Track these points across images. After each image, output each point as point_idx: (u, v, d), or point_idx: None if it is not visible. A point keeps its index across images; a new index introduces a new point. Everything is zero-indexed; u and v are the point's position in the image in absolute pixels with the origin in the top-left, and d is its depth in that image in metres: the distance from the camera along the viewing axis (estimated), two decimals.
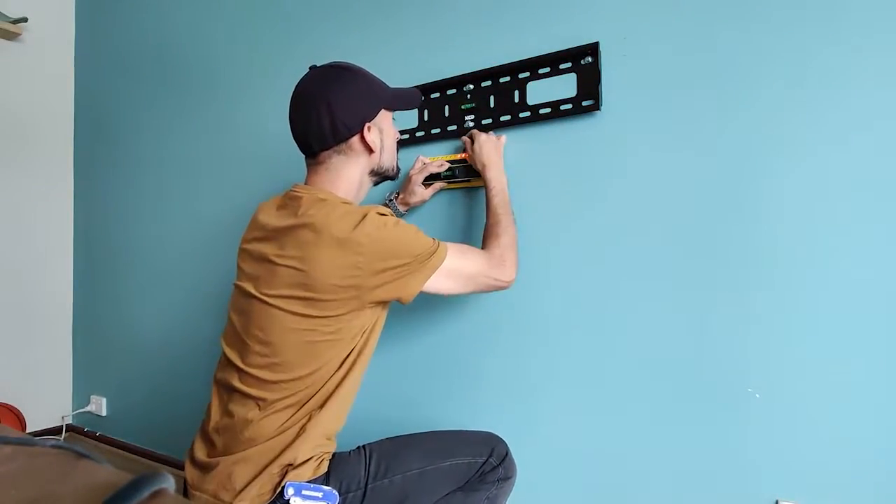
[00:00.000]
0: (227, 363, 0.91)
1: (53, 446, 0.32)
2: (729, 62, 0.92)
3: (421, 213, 1.25)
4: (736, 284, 0.90)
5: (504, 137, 1.11)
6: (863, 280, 0.82)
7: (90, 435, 2.04)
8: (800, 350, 0.85)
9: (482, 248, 0.97)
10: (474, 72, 1.15)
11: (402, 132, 1.26)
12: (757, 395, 0.88)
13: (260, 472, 0.82)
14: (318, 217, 0.83)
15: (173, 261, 1.82)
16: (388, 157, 0.97)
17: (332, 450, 0.90)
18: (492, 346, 1.15)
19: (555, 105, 1.07)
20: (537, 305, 1.09)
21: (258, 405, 0.85)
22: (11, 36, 1.98)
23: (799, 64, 0.87)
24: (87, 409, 2.07)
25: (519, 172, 1.12)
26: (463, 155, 1.15)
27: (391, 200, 1.21)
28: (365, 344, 0.90)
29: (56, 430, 2.09)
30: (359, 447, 0.93)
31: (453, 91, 1.20)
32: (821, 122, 0.85)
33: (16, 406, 1.88)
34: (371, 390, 1.31)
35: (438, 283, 0.87)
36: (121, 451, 1.92)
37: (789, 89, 0.87)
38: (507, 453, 0.97)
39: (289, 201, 0.90)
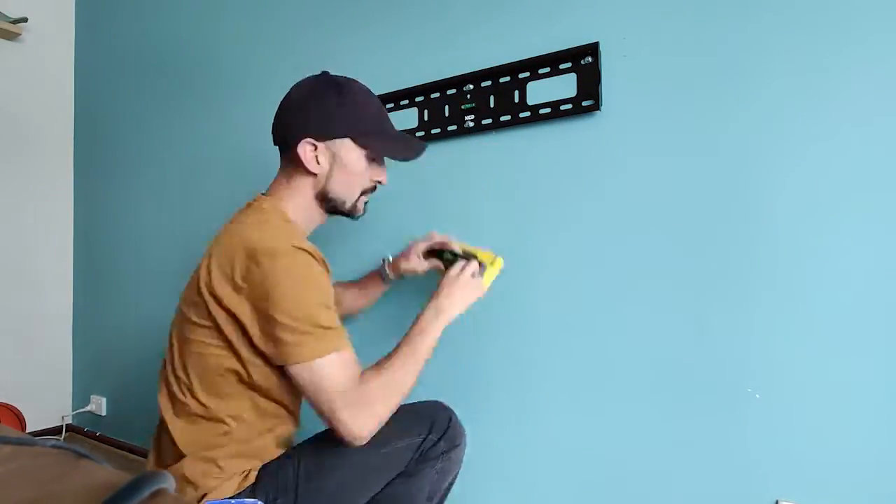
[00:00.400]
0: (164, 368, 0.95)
1: (53, 446, 0.32)
2: (729, 62, 0.92)
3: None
4: (736, 284, 0.90)
5: (484, 292, 0.95)
6: (863, 280, 0.81)
7: (90, 435, 2.04)
8: (800, 350, 0.85)
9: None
10: (474, 72, 1.15)
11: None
12: (757, 396, 0.88)
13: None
14: (237, 223, 0.85)
15: (173, 260, 1.81)
16: (338, 188, 0.89)
17: (261, 462, 0.85)
18: (492, 345, 1.15)
19: (555, 105, 1.07)
20: (537, 305, 1.09)
21: (170, 418, 0.91)
22: (11, 36, 1.98)
23: (800, 63, 0.87)
24: (87, 409, 2.07)
25: (519, 172, 1.12)
26: (482, 253, 0.98)
27: (385, 259, 1.14)
28: (259, 386, 0.83)
29: (56, 430, 2.09)
30: (289, 449, 0.89)
31: (453, 91, 1.20)
32: (822, 121, 0.85)
33: (16, 406, 1.88)
34: None
35: (300, 369, 0.76)
36: (121, 451, 1.92)
37: (790, 89, 0.87)
38: (449, 421, 0.90)
39: (241, 211, 0.92)
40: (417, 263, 1.09)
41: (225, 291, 0.80)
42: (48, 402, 2.08)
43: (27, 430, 1.91)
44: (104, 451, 1.94)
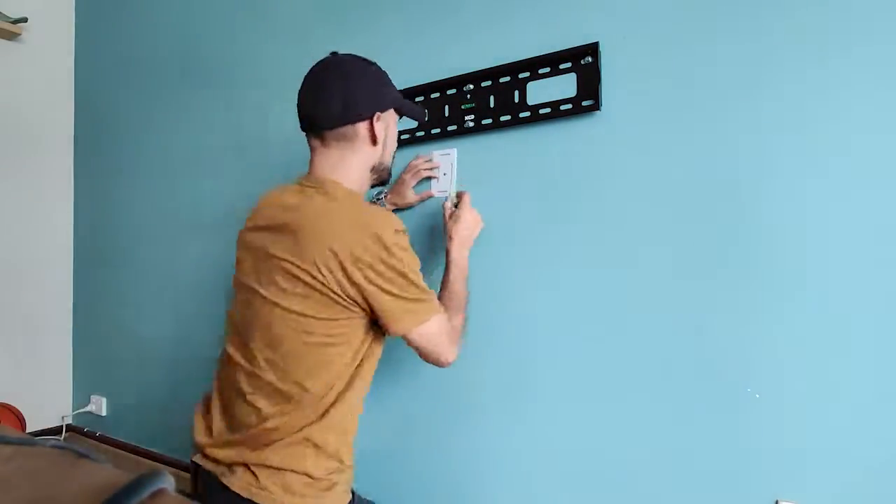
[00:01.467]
0: (230, 361, 0.91)
1: (53, 446, 0.32)
2: (729, 62, 0.92)
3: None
4: (736, 284, 0.90)
5: (482, 225, 1.08)
6: (863, 280, 0.82)
7: (90, 435, 2.04)
8: (800, 350, 0.85)
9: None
10: (474, 72, 1.15)
11: (402, 132, 1.26)
12: (757, 395, 0.88)
13: (285, 479, 0.83)
14: (329, 207, 0.84)
15: (173, 260, 1.82)
16: (388, 155, 0.97)
17: (350, 477, 0.93)
18: (492, 345, 1.15)
19: (555, 105, 1.07)
20: (537, 305, 1.09)
21: (259, 406, 0.85)
22: (11, 36, 1.98)
23: (800, 63, 0.87)
24: (87, 408, 2.07)
25: (519, 173, 1.12)
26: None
27: (380, 199, 1.22)
28: (367, 358, 0.90)
29: (56, 430, 2.09)
30: None
31: (453, 91, 1.20)
32: (823, 121, 0.85)
33: (16, 406, 1.88)
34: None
35: (420, 329, 0.88)
36: (121, 451, 1.92)
37: (791, 88, 0.87)
38: None
39: (298, 193, 0.90)
40: (413, 197, 1.21)
41: (364, 277, 0.82)
42: (48, 402, 2.08)
43: (27, 430, 1.91)
44: (104, 451, 1.94)
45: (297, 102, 0.92)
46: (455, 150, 1.19)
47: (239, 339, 0.91)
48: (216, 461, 0.88)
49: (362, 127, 0.90)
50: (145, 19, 1.95)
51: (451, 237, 1.04)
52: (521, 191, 1.12)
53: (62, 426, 2.10)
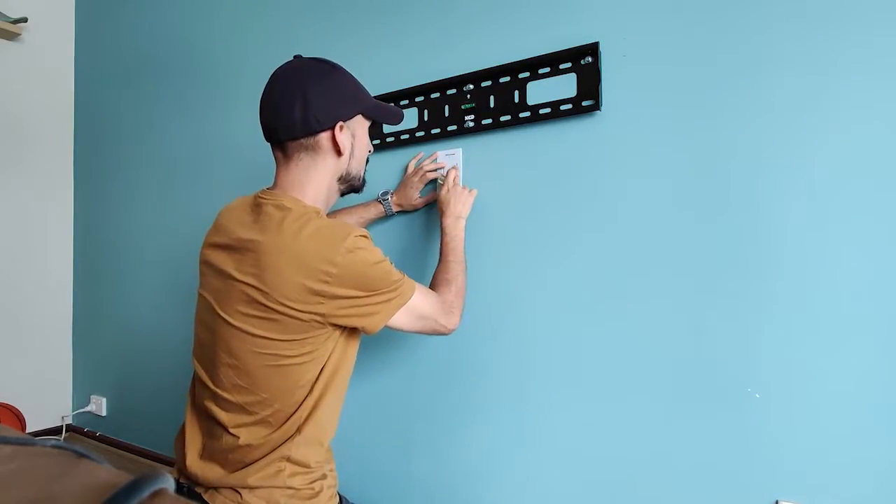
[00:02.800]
0: (198, 382, 0.91)
1: (53, 446, 0.32)
2: (730, 62, 0.92)
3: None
4: (736, 284, 0.90)
5: (476, 191, 1.13)
6: (863, 280, 0.81)
7: (90, 435, 2.04)
8: (800, 350, 0.85)
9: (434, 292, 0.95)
10: (474, 72, 1.15)
11: (401, 132, 1.26)
12: (757, 395, 0.88)
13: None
14: (285, 234, 0.79)
15: (173, 261, 1.82)
16: (356, 164, 0.93)
17: (334, 481, 0.93)
18: (491, 345, 1.15)
19: (555, 105, 1.07)
20: (537, 305, 1.09)
21: (230, 429, 0.85)
22: (11, 36, 1.98)
23: (801, 63, 0.87)
24: (87, 409, 2.07)
25: (519, 172, 1.12)
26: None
27: (385, 199, 1.21)
28: (336, 370, 0.88)
29: (56, 430, 2.09)
30: None
31: (453, 91, 1.20)
32: (824, 121, 0.85)
33: (16, 406, 1.88)
34: (367, 394, 1.31)
35: (397, 318, 0.86)
36: (121, 451, 1.92)
37: (792, 88, 0.87)
38: None
39: (255, 209, 0.87)
40: (418, 201, 1.20)
41: (312, 301, 0.80)
42: (48, 403, 2.08)
43: (27, 431, 1.91)
44: (104, 451, 1.94)
45: (259, 110, 0.89)
46: (460, 150, 1.18)
47: (205, 360, 0.89)
48: (197, 482, 0.88)
49: (324, 137, 0.86)
50: (145, 19, 1.95)
51: (442, 211, 1.07)
52: (521, 191, 1.12)
53: (62, 426, 2.10)
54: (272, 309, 0.79)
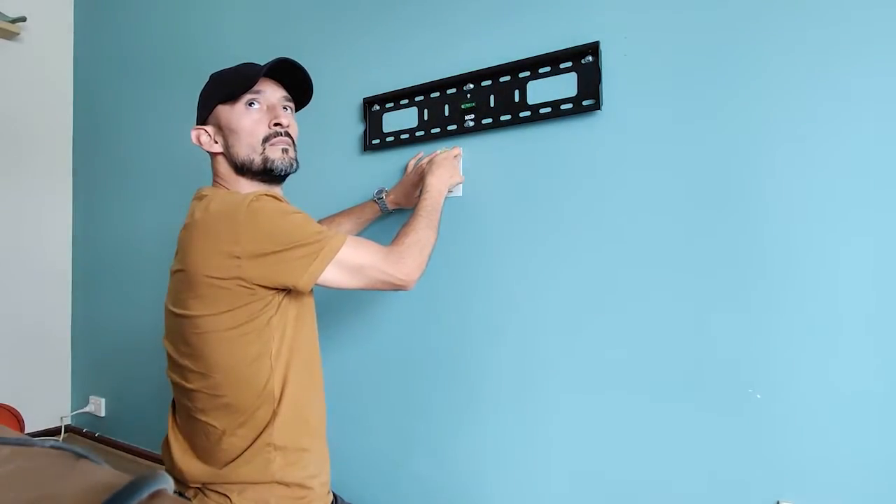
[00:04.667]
0: (174, 383, 0.91)
1: (52, 447, 0.32)
2: (730, 61, 0.92)
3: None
4: (736, 284, 0.90)
5: (459, 149, 1.15)
6: (864, 280, 0.81)
7: (89, 435, 2.04)
8: (801, 350, 0.85)
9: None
10: (474, 71, 1.15)
11: (401, 132, 1.26)
12: (758, 396, 0.88)
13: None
14: (196, 213, 0.85)
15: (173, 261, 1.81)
16: (241, 150, 0.90)
17: (327, 480, 0.92)
18: (493, 345, 1.15)
19: (555, 105, 1.07)
20: (537, 304, 1.09)
21: (203, 418, 0.85)
22: (10, 35, 1.98)
23: (802, 62, 0.87)
24: (86, 409, 2.06)
25: (519, 172, 1.12)
26: None
27: (380, 198, 1.22)
28: (293, 338, 0.87)
29: (55, 431, 2.09)
30: None
31: (453, 91, 1.19)
32: (826, 119, 0.85)
33: (14, 407, 1.88)
34: (369, 392, 1.31)
35: (330, 274, 0.82)
36: (120, 452, 1.92)
37: (793, 88, 0.87)
38: None
39: (189, 209, 0.93)
40: (415, 199, 1.16)
41: (228, 265, 0.79)
42: (47, 403, 2.08)
43: (26, 431, 1.91)
44: (103, 452, 1.94)
45: None
46: (460, 147, 1.18)
47: (171, 359, 0.90)
48: (185, 480, 0.88)
49: (194, 142, 0.96)
50: (144, 19, 1.95)
51: (428, 170, 1.07)
52: (521, 190, 1.12)
53: (61, 427, 2.09)
54: (198, 285, 0.81)
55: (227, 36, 1.68)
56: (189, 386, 0.86)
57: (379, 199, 1.22)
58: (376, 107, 1.32)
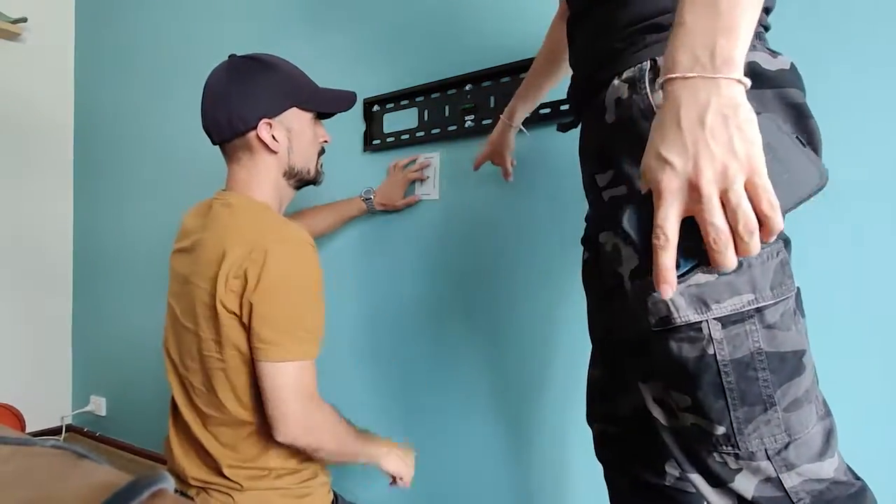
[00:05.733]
0: (174, 386, 0.91)
1: (53, 446, 0.32)
2: None
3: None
4: None
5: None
6: (864, 280, 0.81)
7: (90, 435, 2.04)
8: None
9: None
10: (474, 72, 1.15)
11: (401, 132, 1.26)
12: None
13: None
14: (223, 232, 0.81)
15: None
16: (300, 158, 0.91)
17: (328, 479, 0.92)
18: (493, 344, 1.15)
19: (554, 105, 1.07)
20: (536, 305, 1.09)
21: (207, 432, 0.86)
22: (11, 36, 1.98)
23: (802, 63, 0.87)
24: (87, 409, 2.06)
25: (519, 173, 1.12)
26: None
27: (368, 198, 1.23)
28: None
29: (56, 431, 2.09)
30: None
31: (453, 91, 1.19)
32: (826, 119, 0.85)
33: (15, 406, 1.88)
34: (366, 398, 1.31)
35: (281, 369, 0.78)
36: (121, 452, 1.92)
37: None
38: None
39: (208, 210, 0.89)
40: (400, 202, 1.21)
41: (229, 298, 0.79)
42: (48, 403, 2.08)
43: (27, 431, 1.91)
44: (104, 451, 1.94)
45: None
46: (438, 153, 1.20)
47: (175, 367, 0.91)
48: (186, 479, 0.88)
49: (252, 136, 0.86)
50: (145, 19, 1.95)
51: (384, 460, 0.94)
52: (521, 191, 1.12)
53: (62, 426, 2.09)
54: (208, 304, 0.80)
55: (228, 36, 1.68)
56: (195, 399, 0.87)
57: (367, 199, 1.23)
58: (376, 107, 1.32)
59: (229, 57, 0.92)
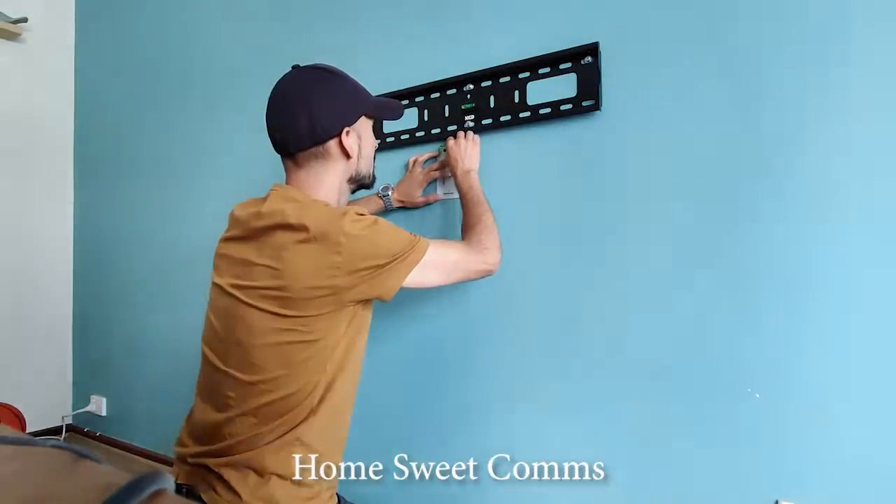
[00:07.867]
0: (208, 364, 0.91)
1: (53, 446, 0.32)
2: (730, 61, 0.92)
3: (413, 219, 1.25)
4: (736, 284, 0.90)
5: (478, 137, 1.13)
6: (864, 280, 0.81)
7: (90, 435, 2.04)
8: (800, 350, 0.85)
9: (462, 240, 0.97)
10: (474, 72, 1.15)
11: (401, 132, 1.26)
12: (757, 395, 0.88)
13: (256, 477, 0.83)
14: (293, 216, 0.82)
15: (173, 260, 1.81)
16: (365, 164, 0.95)
17: (336, 483, 0.91)
18: (494, 344, 1.15)
19: (555, 105, 1.07)
20: (536, 305, 1.09)
21: (242, 409, 0.84)
22: (11, 36, 1.98)
23: (803, 63, 0.87)
24: (87, 408, 2.07)
25: (519, 173, 1.12)
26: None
27: (385, 195, 1.22)
28: (349, 348, 0.88)
29: (56, 430, 2.09)
30: None
31: (453, 91, 1.19)
32: (826, 121, 0.85)
33: (16, 406, 1.88)
34: (373, 390, 1.32)
35: (421, 276, 0.85)
36: (121, 451, 1.92)
37: (793, 88, 0.87)
38: None
39: (266, 201, 0.89)
40: (420, 199, 1.22)
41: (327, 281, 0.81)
42: (48, 402, 2.08)
43: (27, 430, 1.91)
44: (104, 451, 1.94)
45: (266, 125, 0.91)
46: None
47: (219, 345, 0.90)
48: (197, 470, 0.87)
49: (333, 144, 0.89)
50: (145, 19, 1.95)
51: (453, 170, 1.09)
52: (521, 191, 1.12)
53: (62, 426, 2.10)
54: (291, 290, 0.81)
55: (228, 37, 1.68)
56: (237, 374, 0.86)
57: (385, 195, 1.23)
58: None
59: (293, 67, 0.93)
